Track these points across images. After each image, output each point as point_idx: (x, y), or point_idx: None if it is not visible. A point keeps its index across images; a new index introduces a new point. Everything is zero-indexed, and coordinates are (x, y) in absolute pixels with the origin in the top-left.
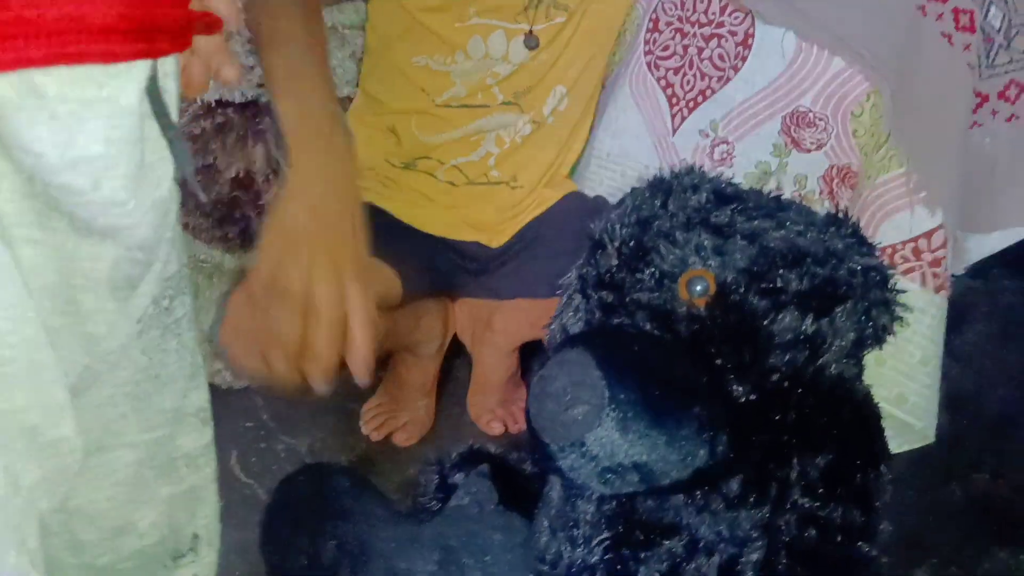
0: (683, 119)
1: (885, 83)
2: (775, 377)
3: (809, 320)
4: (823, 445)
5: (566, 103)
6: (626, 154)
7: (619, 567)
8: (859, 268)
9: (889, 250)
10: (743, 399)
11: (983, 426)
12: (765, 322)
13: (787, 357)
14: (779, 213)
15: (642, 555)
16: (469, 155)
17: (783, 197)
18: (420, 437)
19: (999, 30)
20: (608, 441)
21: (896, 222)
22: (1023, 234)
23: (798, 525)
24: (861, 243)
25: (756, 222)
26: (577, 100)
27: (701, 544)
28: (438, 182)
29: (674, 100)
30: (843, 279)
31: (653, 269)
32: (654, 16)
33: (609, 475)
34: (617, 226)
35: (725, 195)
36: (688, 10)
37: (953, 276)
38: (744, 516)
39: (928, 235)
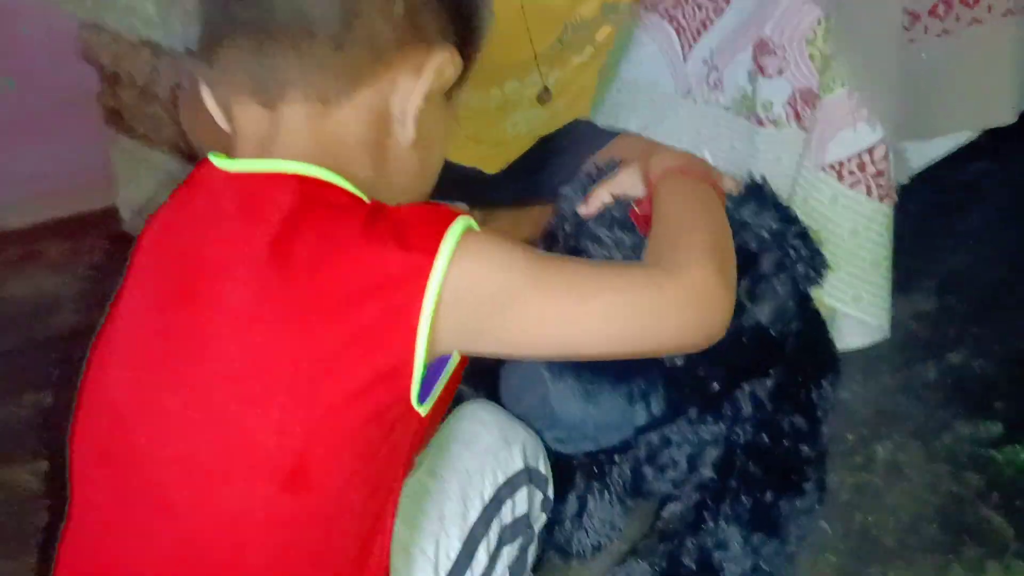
0: (690, 47)
1: (832, 9)
2: None
3: None
4: (767, 372)
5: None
6: (650, 82)
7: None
8: (766, 232)
9: (837, 165)
10: (677, 363)
11: (970, 306)
12: None
13: None
14: None
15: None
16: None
17: None
18: None
19: None
20: (551, 416)
21: (841, 139)
22: (960, 140)
23: (751, 432)
24: (776, 207)
25: None
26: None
27: (672, 441)
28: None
29: (680, 31)
30: (752, 244)
31: None
32: None
33: (562, 438)
34: (562, 227)
35: None
36: None
37: (900, 184)
38: (703, 429)
39: (870, 150)
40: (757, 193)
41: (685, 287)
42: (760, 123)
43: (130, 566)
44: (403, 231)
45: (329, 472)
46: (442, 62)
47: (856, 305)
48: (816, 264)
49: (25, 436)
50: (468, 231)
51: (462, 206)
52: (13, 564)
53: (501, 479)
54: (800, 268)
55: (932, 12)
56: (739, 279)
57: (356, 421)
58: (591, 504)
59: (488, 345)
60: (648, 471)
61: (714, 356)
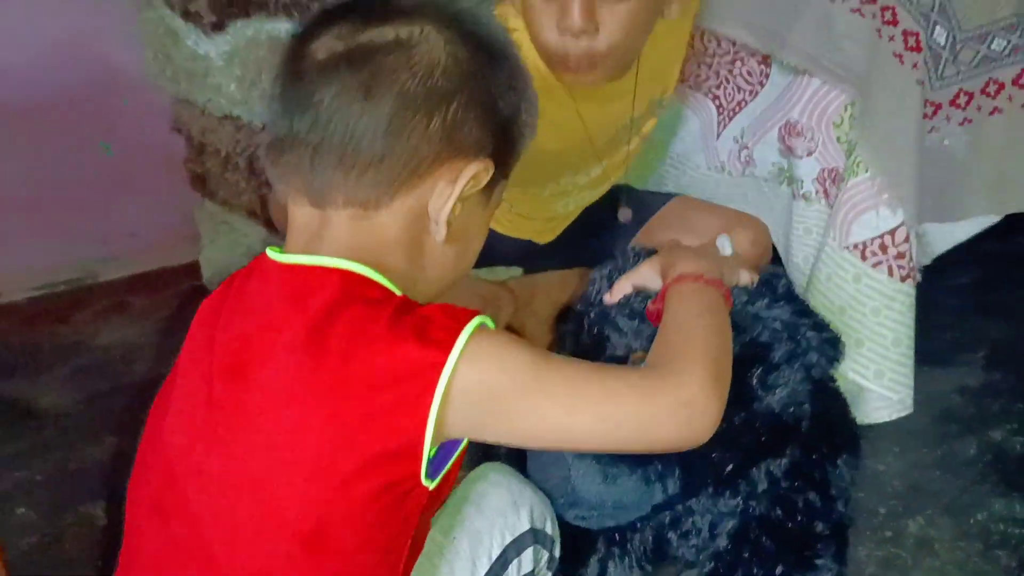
0: (724, 126)
1: (858, 96)
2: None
3: (737, 381)
4: (783, 452)
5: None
6: (687, 155)
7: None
8: (778, 324)
9: (861, 245)
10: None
11: (1016, 382)
12: None
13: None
14: None
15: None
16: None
17: None
18: None
19: (944, 46)
20: (573, 495)
21: (865, 220)
22: (984, 223)
23: (766, 507)
24: (788, 300)
25: None
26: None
27: (695, 510)
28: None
29: (720, 109)
30: (765, 336)
31: (609, 352)
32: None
33: (584, 516)
34: (588, 312)
35: None
36: (700, 49)
37: (923, 266)
38: (721, 503)
39: (892, 232)
40: (771, 287)
41: (677, 398)
42: (793, 197)
43: None
44: (424, 328)
45: (344, 536)
46: (477, 172)
47: (879, 381)
48: (829, 353)
49: (104, 476)
50: (481, 330)
51: (516, 271)
52: None
53: (508, 538)
54: (813, 356)
55: (953, 102)
56: (752, 370)
57: (369, 492)
58: (611, 569)
59: (492, 435)
60: (672, 537)
61: (729, 441)
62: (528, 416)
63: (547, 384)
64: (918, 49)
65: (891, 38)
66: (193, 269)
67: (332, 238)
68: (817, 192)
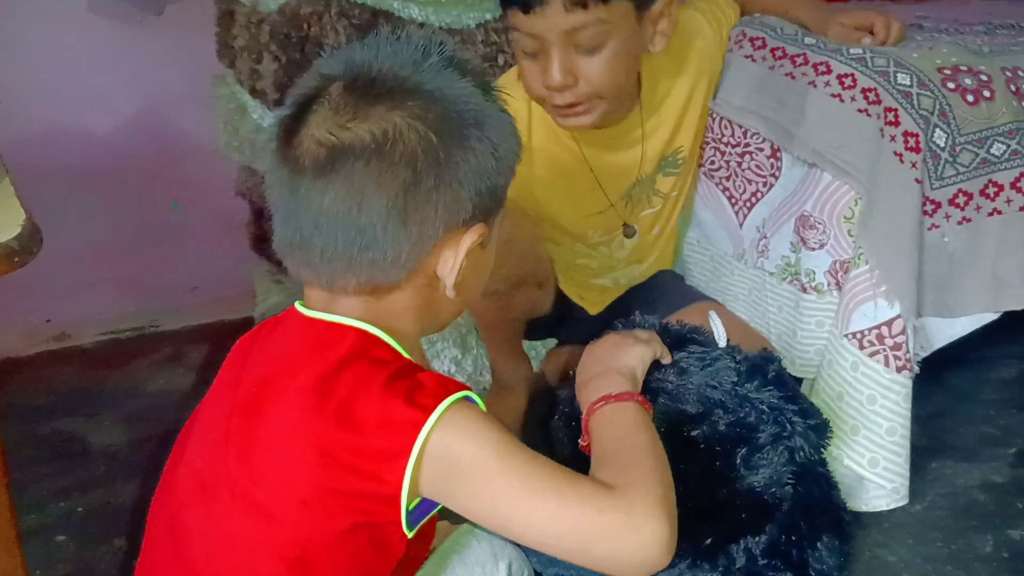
0: (745, 216)
1: (864, 192)
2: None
3: (720, 458)
4: (763, 529)
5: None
6: (709, 241)
7: None
8: (765, 407)
9: (859, 335)
10: None
11: None
12: (682, 465)
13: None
14: (710, 367)
15: None
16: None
17: (723, 348)
18: None
19: (944, 148)
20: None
21: (864, 310)
22: (984, 319)
23: None
24: (777, 385)
25: (677, 380)
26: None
27: None
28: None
29: (733, 200)
30: (751, 417)
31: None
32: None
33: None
34: (565, 406)
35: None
36: (718, 134)
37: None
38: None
39: (889, 323)
40: (762, 370)
41: (625, 522)
42: (804, 290)
43: None
44: (415, 391)
45: (326, 566)
46: (475, 237)
47: (873, 469)
48: (812, 439)
49: (140, 513)
50: (462, 403)
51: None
52: None
53: None
54: (798, 440)
55: (952, 201)
56: (737, 449)
57: (352, 528)
58: None
59: (452, 504)
60: None
61: (709, 515)
62: (481, 497)
63: (506, 470)
64: (917, 150)
65: (892, 138)
66: (248, 323)
67: (345, 312)
68: (829, 284)
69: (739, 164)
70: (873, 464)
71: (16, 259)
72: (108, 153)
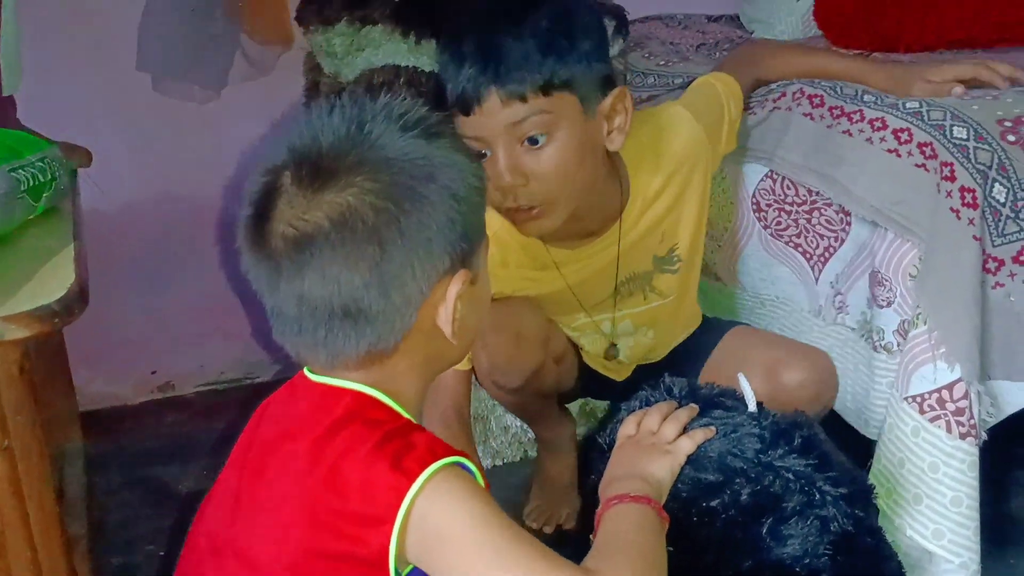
0: (820, 271)
1: (924, 248)
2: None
3: (742, 528)
4: None
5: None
6: (787, 298)
7: None
8: (791, 475)
9: (919, 398)
10: None
11: None
12: (701, 534)
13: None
14: (733, 434)
15: None
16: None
17: (750, 412)
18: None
19: (1004, 203)
20: None
21: (923, 373)
22: None
23: None
24: (804, 452)
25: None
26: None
27: None
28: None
29: (808, 256)
30: (776, 487)
31: None
32: (754, 201)
33: None
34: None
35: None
36: (780, 195)
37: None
38: None
39: (950, 387)
40: (788, 436)
41: None
42: (875, 349)
43: None
44: (402, 454)
45: None
46: (460, 284)
47: (938, 541)
48: (845, 508)
49: None
50: (450, 469)
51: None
52: None
53: None
54: (830, 510)
55: (1016, 259)
56: (761, 519)
57: None
58: None
59: (434, 574)
60: None
61: None
62: (458, 567)
63: (482, 543)
64: (975, 206)
65: (948, 193)
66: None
67: (351, 374)
68: (899, 345)
69: (808, 220)
70: (938, 536)
71: (56, 320)
72: (214, 211)
